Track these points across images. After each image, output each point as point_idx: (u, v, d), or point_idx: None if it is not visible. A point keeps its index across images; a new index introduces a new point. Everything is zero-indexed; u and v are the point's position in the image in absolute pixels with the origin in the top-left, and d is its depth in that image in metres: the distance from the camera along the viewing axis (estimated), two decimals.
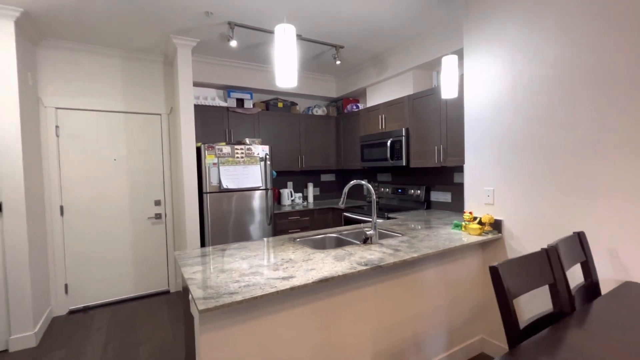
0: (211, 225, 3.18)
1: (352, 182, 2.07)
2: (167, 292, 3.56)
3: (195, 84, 3.63)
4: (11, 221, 2.42)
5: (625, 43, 1.54)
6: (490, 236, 2.07)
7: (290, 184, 4.46)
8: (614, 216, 1.62)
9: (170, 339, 2.56)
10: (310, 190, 4.38)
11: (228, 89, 3.85)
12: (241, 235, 3.33)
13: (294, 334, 1.45)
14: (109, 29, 2.81)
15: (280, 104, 4.11)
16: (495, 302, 2.16)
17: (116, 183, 3.31)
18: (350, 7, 2.55)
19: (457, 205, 3.12)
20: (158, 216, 3.51)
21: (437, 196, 3.33)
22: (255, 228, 3.41)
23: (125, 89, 3.32)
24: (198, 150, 3.23)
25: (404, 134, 3.25)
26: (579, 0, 1.69)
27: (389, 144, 3.38)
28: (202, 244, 3.24)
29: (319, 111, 4.43)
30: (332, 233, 2.34)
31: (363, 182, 2.07)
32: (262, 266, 1.56)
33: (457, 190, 3.12)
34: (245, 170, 3.31)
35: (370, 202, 4.14)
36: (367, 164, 3.74)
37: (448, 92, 2.19)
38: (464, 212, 2.23)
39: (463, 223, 2.20)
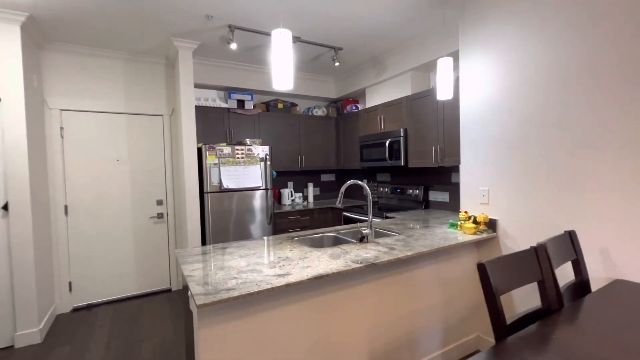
0: (212, 225, 3.23)
1: (348, 182, 2.11)
2: (168, 291, 3.61)
3: (197, 86, 3.68)
4: (17, 220, 2.48)
5: (618, 43, 1.57)
6: (485, 235, 2.10)
7: (290, 184, 4.50)
8: (606, 215, 1.65)
9: (171, 336, 2.61)
10: (311, 190, 4.42)
11: (229, 91, 3.90)
12: (242, 234, 3.38)
13: (289, 330, 1.49)
14: (112, 33, 2.87)
15: (280, 105, 4.16)
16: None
17: (119, 183, 3.37)
18: (348, 9, 2.59)
19: (454, 205, 3.15)
20: (160, 216, 3.57)
21: (435, 196, 3.37)
22: (255, 227, 3.45)
23: (128, 90, 3.38)
24: (199, 150, 3.28)
25: (402, 135, 3.28)
26: (573, 2, 1.72)
27: (387, 144, 3.42)
28: (203, 243, 3.29)
29: (319, 112, 4.47)
30: (330, 232, 2.38)
31: (359, 182, 2.11)
32: (260, 264, 1.60)
33: (455, 190, 3.15)
34: (245, 171, 3.36)
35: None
36: (366, 164, 3.78)
37: (443, 93, 2.23)
38: (460, 212, 2.26)
39: (459, 222, 2.23)
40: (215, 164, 3.21)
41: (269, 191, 3.51)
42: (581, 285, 1.50)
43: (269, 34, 2.97)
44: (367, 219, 3.38)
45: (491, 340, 2.21)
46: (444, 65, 2.20)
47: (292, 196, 4.31)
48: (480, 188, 2.24)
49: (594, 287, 1.68)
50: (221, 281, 1.37)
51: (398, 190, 3.72)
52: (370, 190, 4.20)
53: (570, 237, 1.55)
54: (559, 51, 1.79)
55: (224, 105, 3.76)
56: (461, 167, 2.37)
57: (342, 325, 1.65)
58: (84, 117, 3.21)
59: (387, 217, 3.09)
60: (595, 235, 1.69)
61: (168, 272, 3.64)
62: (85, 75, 3.19)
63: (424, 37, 3.11)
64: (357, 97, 4.54)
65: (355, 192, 4.68)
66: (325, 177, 4.80)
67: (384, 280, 1.80)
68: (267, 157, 3.47)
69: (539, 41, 1.87)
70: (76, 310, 3.18)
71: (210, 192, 3.20)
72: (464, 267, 2.18)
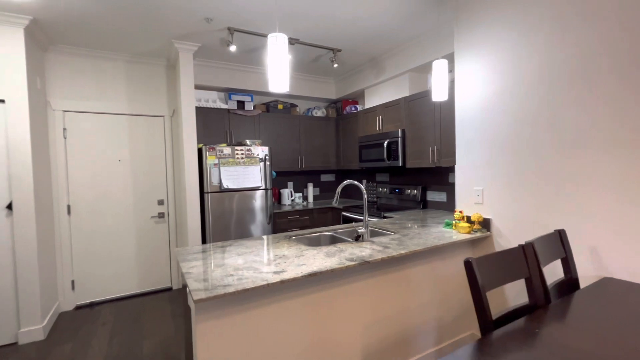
0: (212, 224, 3.27)
1: (344, 182, 2.15)
2: (169, 289, 3.66)
3: (197, 87, 3.73)
4: (21, 219, 2.54)
5: (608, 45, 1.60)
6: (479, 234, 2.13)
7: (290, 184, 4.54)
8: (597, 214, 1.68)
9: (172, 333, 2.65)
10: (310, 190, 4.46)
11: (229, 92, 3.95)
12: (242, 233, 3.43)
13: (284, 325, 1.53)
14: (114, 35, 2.92)
15: (280, 106, 4.20)
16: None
17: (121, 183, 3.43)
18: (345, 11, 2.63)
19: (452, 204, 3.18)
20: (161, 215, 3.62)
21: (432, 196, 3.40)
22: (255, 227, 3.50)
23: (130, 92, 3.44)
24: (199, 151, 3.33)
25: (400, 135, 3.32)
26: (565, 3, 1.75)
27: (385, 144, 3.45)
28: (204, 242, 3.34)
29: (319, 112, 4.51)
30: (327, 231, 2.42)
31: (355, 182, 2.15)
32: (256, 262, 1.65)
33: (452, 190, 3.18)
34: (245, 171, 3.40)
35: (369, 201, 4.21)
36: (365, 164, 3.82)
37: (438, 95, 2.26)
38: (454, 211, 2.30)
39: (453, 222, 2.27)
40: (215, 165, 3.25)
41: (269, 191, 3.55)
42: (570, 282, 1.53)
43: (267, 36, 3.02)
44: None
45: None
46: (439, 67, 2.23)
47: (292, 196, 4.35)
48: (474, 188, 2.27)
49: (583, 285, 1.71)
50: (218, 278, 1.41)
51: (397, 191, 3.75)
52: (370, 190, 4.24)
53: (560, 236, 1.58)
54: (550, 53, 1.82)
55: (224, 106, 3.81)
56: (456, 167, 2.40)
57: (336, 321, 1.69)
58: (86, 118, 3.26)
59: (384, 217, 3.12)
60: (585, 234, 1.72)
61: (169, 271, 3.69)
62: (88, 77, 3.25)
63: (421, 38, 3.15)
64: (356, 98, 4.58)
65: (354, 192, 4.72)
66: (325, 178, 4.84)
67: (379, 278, 1.84)
68: (267, 157, 3.52)
69: (531, 43, 1.90)
70: (79, 308, 3.23)
71: (210, 192, 3.24)
72: (459, 266, 2.21)
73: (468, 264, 1.14)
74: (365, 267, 1.78)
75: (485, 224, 2.20)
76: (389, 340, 1.89)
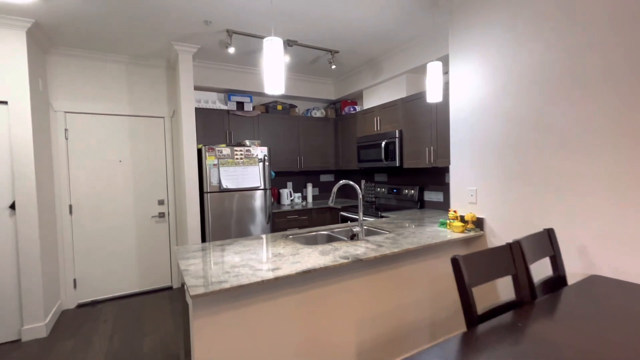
0: (212, 224, 3.32)
1: (340, 182, 2.19)
2: (170, 288, 3.71)
3: (197, 88, 3.78)
4: (24, 219, 2.59)
5: (599, 48, 1.64)
6: (472, 233, 2.17)
7: (289, 184, 4.59)
8: (586, 214, 1.71)
9: (172, 331, 2.70)
10: (309, 190, 4.50)
11: (228, 93, 4.00)
12: (241, 233, 3.47)
13: (279, 321, 1.57)
14: (115, 37, 2.97)
15: (279, 107, 4.24)
16: (480, 298, 2.25)
17: (121, 183, 3.48)
18: (344, 13, 2.67)
19: (448, 204, 3.21)
20: (161, 215, 3.67)
21: (430, 196, 3.44)
22: (254, 227, 3.54)
23: (130, 93, 3.49)
24: (199, 151, 3.38)
25: (397, 136, 3.35)
26: (555, 7, 1.79)
27: (383, 145, 3.49)
28: (203, 242, 3.37)
29: (318, 113, 4.55)
30: (324, 230, 2.46)
31: (351, 182, 2.19)
32: (253, 260, 1.69)
33: (448, 190, 3.21)
34: (244, 171, 3.45)
35: (368, 201, 4.25)
36: (363, 164, 3.86)
37: (433, 96, 2.30)
38: (449, 211, 2.33)
39: (448, 221, 2.30)
40: (214, 165, 3.30)
41: (268, 191, 3.60)
42: (558, 280, 1.57)
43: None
44: (363, 218, 3.46)
45: None
46: (433, 69, 2.27)
47: (291, 196, 4.39)
48: (468, 188, 2.31)
49: (571, 282, 1.75)
50: (215, 275, 1.46)
51: (394, 191, 3.79)
52: (368, 190, 4.28)
53: (549, 235, 1.62)
54: (541, 55, 1.86)
55: (223, 107, 3.85)
56: (451, 167, 2.44)
57: (331, 318, 1.73)
58: (87, 119, 3.32)
59: (382, 217, 3.16)
60: (574, 232, 1.76)
61: (169, 270, 3.74)
62: (89, 78, 3.30)
63: (418, 40, 3.19)
64: (355, 99, 4.62)
65: (353, 192, 4.76)
66: (324, 178, 4.88)
67: (372, 276, 1.88)
68: (266, 158, 3.56)
69: (523, 46, 1.94)
70: (80, 306, 3.28)
71: (210, 192, 3.29)
72: None
73: (455, 261, 1.18)
74: (358, 265, 1.82)
75: (479, 223, 2.24)
76: (383, 337, 1.93)
